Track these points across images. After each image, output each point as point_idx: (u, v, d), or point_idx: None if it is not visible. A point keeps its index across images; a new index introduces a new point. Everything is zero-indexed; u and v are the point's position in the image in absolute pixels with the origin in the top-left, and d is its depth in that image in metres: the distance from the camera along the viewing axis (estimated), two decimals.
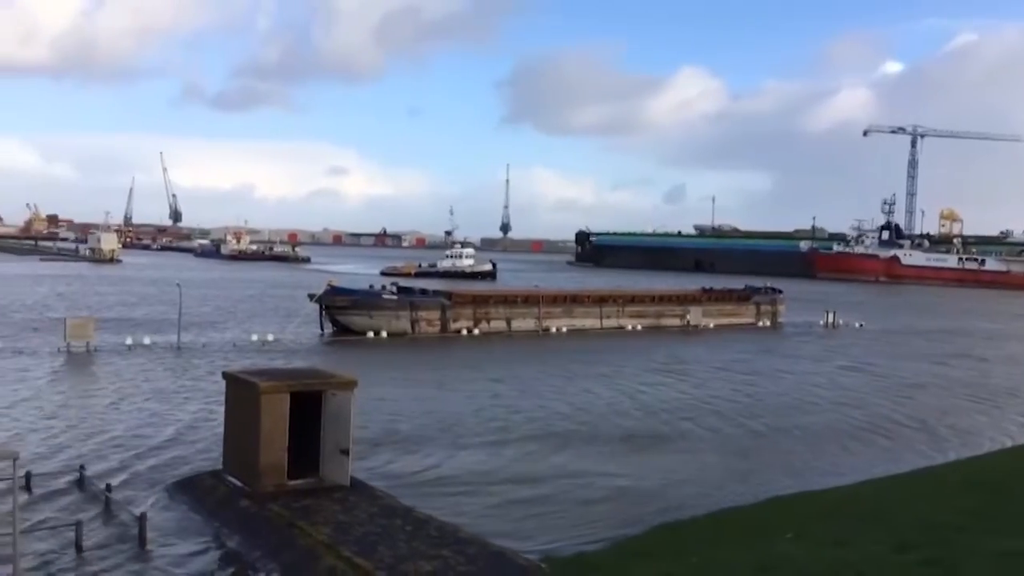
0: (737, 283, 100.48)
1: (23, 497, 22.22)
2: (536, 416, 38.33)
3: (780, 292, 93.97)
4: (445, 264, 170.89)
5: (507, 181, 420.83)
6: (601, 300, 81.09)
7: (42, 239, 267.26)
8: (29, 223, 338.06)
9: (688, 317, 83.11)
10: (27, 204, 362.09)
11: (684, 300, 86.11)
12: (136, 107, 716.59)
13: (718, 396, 45.00)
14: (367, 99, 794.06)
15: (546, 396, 43.37)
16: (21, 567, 17.95)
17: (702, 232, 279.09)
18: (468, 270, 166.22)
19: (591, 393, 44.68)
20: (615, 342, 69.84)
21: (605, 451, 32.44)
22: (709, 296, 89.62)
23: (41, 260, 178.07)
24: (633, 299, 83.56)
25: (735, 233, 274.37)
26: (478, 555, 19.38)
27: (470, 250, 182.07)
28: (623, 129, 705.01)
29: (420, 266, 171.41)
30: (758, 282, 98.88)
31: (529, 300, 76.92)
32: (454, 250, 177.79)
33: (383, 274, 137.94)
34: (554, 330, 74.49)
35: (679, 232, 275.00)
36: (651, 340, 71.61)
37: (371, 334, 66.30)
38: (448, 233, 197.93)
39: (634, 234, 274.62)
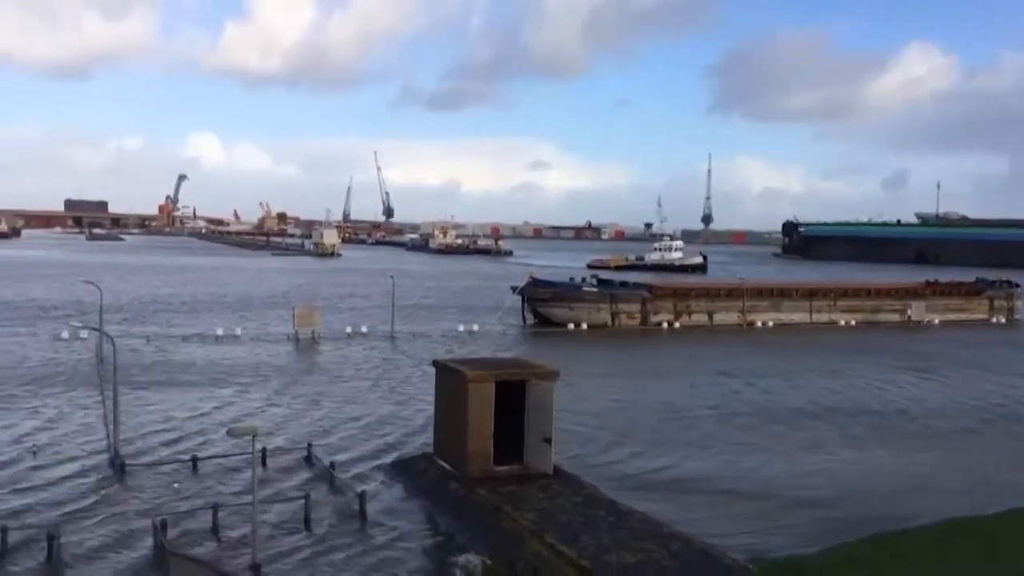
0: (966, 275, 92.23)
1: (259, 470, 24.40)
2: (770, 408, 37.48)
3: (1018, 286, 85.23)
4: (653, 257, 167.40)
5: (709, 171, 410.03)
6: (811, 293, 77.18)
7: (273, 235, 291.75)
8: (262, 220, 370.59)
9: (909, 312, 77.33)
10: (260, 203, 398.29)
11: (905, 294, 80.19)
12: (356, 110, 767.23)
13: (971, 396, 41.80)
14: (572, 94, 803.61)
15: (779, 391, 42.17)
16: (258, 534, 19.74)
17: (925, 221, 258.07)
18: (677, 263, 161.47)
19: (825, 389, 42.99)
20: (830, 337, 66.24)
21: (849, 449, 30.98)
22: (934, 290, 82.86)
23: (273, 255, 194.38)
24: (846, 292, 78.91)
25: (963, 222, 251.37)
26: (683, 551, 19.08)
27: (679, 242, 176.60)
28: (838, 113, 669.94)
29: (627, 259, 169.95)
30: (991, 275, 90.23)
31: (733, 293, 74.66)
32: (663, 242, 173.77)
33: (589, 267, 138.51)
34: (759, 324, 71.85)
35: (898, 221, 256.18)
36: (871, 336, 67.29)
37: (571, 326, 67.00)
38: (648, 225, 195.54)
39: (847, 224, 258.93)
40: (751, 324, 71.65)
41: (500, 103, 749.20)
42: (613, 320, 69.19)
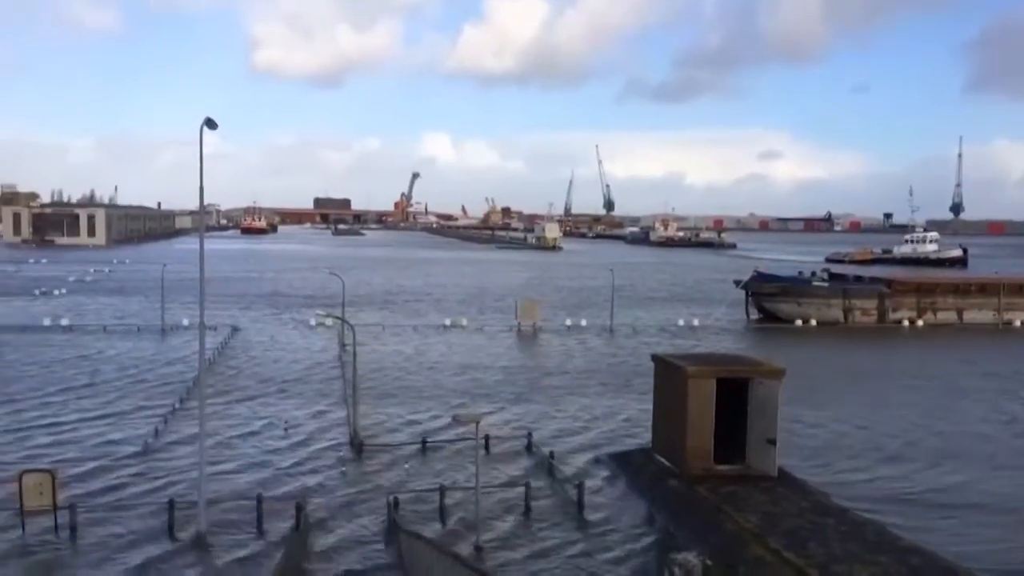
0: None
1: (483, 456, 25.31)
2: None
3: None
4: (904, 249, 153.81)
5: (959, 156, 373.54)
6: None
7: (497, 229, 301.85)
8: (487, 215, 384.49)
9: None
10: (486, 198, 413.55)
11: None
12: (580, 105, 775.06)
13: None
14: (808, 80, 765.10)
15: None
16: (481, 517, 20.49)
17: None
18: (932, 256, 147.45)
19: None
20: None
21: None
22: None
23: (497, 248, 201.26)
24: None
25: None
26: (923, 567, 17.57)
27: (934, 234, 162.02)
28: None
29: (872, 252, 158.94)
30: None
31: (987, 289, 67.74)
32: (915, 234, 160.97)
33: (828, 260, 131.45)
34: (1018, 323, 64.71)
35: None
36: None
37: (799, 322, 63.86)
38: (887, 216, 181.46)
39: None
40: (1008, 324, 64.70)
41: (729, 92, 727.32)
42: (846, 317, 65.12)
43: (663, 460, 25.28)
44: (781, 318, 65.31)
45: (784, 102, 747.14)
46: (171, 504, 21.31)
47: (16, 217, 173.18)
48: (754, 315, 67.29)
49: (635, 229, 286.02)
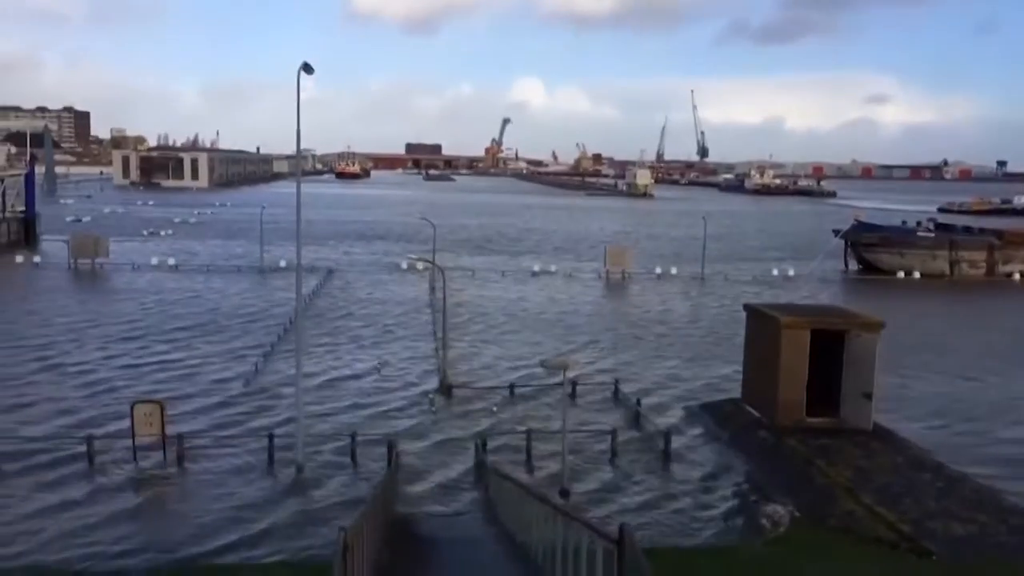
0: None
1: (569, 402, 25.48)
2: None
3: None
4: None
5: None
6: None
7: (588, 176, 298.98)
8: (578, 161, 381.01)
9: None
10: (576, 144, 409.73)
11: None
12: (676, 49, 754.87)
13: None
14: (924, 19, 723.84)
15: None
16: (567, 461, 20.70)
17: None
18: None
19: None
20: None
21: None
22: None
23: (587, 195, 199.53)
24: None
25: None
26: (1023, 527, 16.99)
27: None
28: None
29: (990, 202, 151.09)
30: None
31: None
32: None
33: (941, 211, 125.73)
34: None
35: None
36: None
37: (901, 274, 61.52)
38: (1001, 164, 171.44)
39: None
40: None
41: (838, 32, 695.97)
42: (952, 269, 62.39)
43: (753, 411, 24.97)
44: (882, 269, 63.06)
45: (896, 43, 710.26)
46: (271, 438, 22.25)
47: (125, 160, 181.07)
48: (854, 266, 65.20)
49: (729, 176, 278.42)
